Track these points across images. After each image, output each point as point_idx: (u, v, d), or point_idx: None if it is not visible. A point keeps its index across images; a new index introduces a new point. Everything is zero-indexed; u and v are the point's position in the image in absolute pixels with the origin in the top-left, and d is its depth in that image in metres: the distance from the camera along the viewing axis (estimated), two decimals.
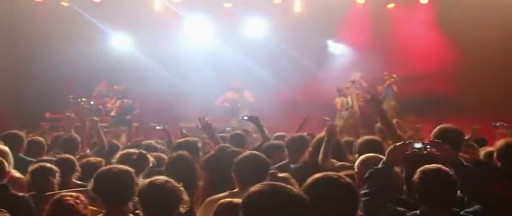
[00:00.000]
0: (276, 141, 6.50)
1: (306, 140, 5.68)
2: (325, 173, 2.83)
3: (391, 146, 3.81)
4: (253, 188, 2.42)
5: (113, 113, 12.98)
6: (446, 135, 4.33)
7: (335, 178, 2.77)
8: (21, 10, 13.43)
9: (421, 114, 11.89)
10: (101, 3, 14.15)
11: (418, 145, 3.79)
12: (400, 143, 3.82)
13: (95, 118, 7.20)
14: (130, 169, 3.68)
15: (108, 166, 3.75)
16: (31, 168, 4.71)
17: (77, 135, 6.86)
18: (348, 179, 2.83)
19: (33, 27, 13.56)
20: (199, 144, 5.70)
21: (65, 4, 14.12)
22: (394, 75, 14.28)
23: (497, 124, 8.02)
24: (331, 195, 2.69)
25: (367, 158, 4.09)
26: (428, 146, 3.75)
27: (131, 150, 4.94)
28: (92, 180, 3.61)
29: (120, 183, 3.53)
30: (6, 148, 5.12)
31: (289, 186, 2.45)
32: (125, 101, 13.16)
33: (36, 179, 4.59)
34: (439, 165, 3.53)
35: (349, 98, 13.54)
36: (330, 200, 2.67)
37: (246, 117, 7.41)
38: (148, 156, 4.75)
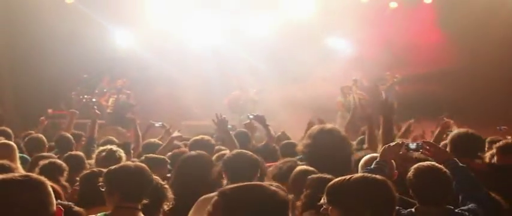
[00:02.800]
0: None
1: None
2: (362, 174, 2.71)
3: (385, 146, 3.83)
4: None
5: (109, 110, 12.95)
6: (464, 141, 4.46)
7: (372, 177, 2.66)
8: (24, 6, 13.42)
9: (423, 114, 11.87)
10: (105, 0, 14.14)
11: (412, 146, 3.80)
12: (394, 143, 3.84)
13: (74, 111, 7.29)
14: (146, 167, 3.62)
15: (125, 162, 3.72)
16: (42, 164, 4.71)
17: (67, 134, 6.88)
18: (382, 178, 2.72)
19: (37, 24, 13.57)
20: (213, 142, 5.74)
21: (69, 1, 14.13)
22: (397, 75, 14.26)
23: (501, 128, 7.99)
24: (371, 193, 2.57)
25: (370, 158, 4.12)
26: (421, 146, 3.76)
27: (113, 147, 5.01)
28: (106, 174, 3.54)
29: (137, 180, 3.47)
30: (13, 144, 5.16)
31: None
32: (120, 96, 13.09)
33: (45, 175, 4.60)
34: (433, 163, 3.54)
35: (351, 97, 13.53)
36: (370, 199, 2.55)
37: (251, 116, 7.37)
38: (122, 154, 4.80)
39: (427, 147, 3.81)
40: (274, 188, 2.24)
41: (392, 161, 4.00)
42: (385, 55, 13.86)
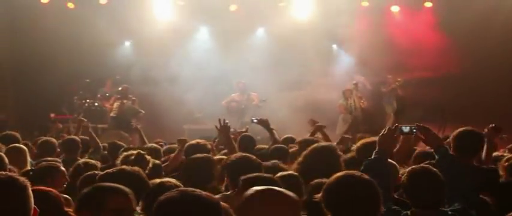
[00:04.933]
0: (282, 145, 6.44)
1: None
2: (347, 171, 2.82)
3: (380, 136, 3.81)
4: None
5: (112, 114, 12.94)
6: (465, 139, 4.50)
7: (358, 176, 2.78)
8: (26, 11, 13.46)
9: (425, 119, 11.86)
10: (107, 5, 14.16)
11: (405, 129, 3.81)
12: (386, 130, 3.84)
13: (82, 118, 7.32)
14: (140, 170, 3.66)
15: (119, 167, 3.71)
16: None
17: (77, 137, 6.91)
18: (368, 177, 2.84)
19: (38, 29, 13.61)
20: (209, 146, 5.76)
21: (71, 6, 14.17)
22: (399, 79, 14.26)
23: (503, 136, 7.94)
24: (355, 192, 2.69)
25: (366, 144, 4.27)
26: (415, 130, 3.77)
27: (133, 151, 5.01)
28: (101, 178, 3.57)
29: (132, 184, 3.48)
30: (24, 147, 5.19)
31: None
32: (124, 101, 13.07)
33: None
34: (427, 166, 3.54)
35: (352, 101, 13.53)
36: (354, 198, 2.68)
37: (255, 120, 7.35)
38: (147, 157, 4.81)
39: (420, 131, 3.83)
40: (206, 193, 2.32)
41: (396, 164, 4.01)
42: (387, 58, 13.87)
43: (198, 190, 2.34)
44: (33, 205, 2.38)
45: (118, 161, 4.98)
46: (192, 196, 2.28)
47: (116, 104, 13.07)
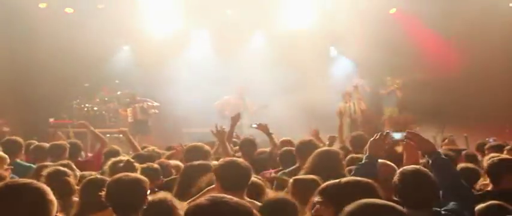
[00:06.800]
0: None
1: (315, 145, 5.68)
2: (354, 178, 2.81)
3: (371, 140, 3.86)
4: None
5: (130, 120, 13.01)
6: None
7: (365, 181, 2.83)
8: (25, 16, 13.46)
9: (425, 121, 11.90)
10: (105, 10, 14.16)
11: (397, 136, 3.83)
12: (378, 135, 3.88)
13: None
14: (143, 178, 3.62)
15: (121, 174, 3.69)
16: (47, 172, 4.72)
17: (78, 141, 6.95)
18: None
19: (37, 34, 13.62)
20: (208, 148, 5.78)
21: (69, 11, 14.17)
22: (398, 81, 14.27)
23: (491, 139, 7.97)
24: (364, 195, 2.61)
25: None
26: (405, 136, 3.80)
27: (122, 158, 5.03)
28: (105, 187, 3.53)
29: (132, 192, 3.46)
30: (3, 154, 5.25)
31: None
32: (136, 105, 13.10)
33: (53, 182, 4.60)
34: (418, 167, 3.56)
35: (352, 104, 13.53)
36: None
37: (254, 125, 7.38)
38: (136, 164, 4.81)
39: (411, 137, 3.85)
40: (236, 200, 2.26)
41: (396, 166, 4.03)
42: (386, 61, 13.89)
43: (228, 196, 2.29)
44: (54, 210, 2.39)
45: (106, 167, 4.99)
46: (223, 203, 2.22)
47: (129, 110, 13.13)
